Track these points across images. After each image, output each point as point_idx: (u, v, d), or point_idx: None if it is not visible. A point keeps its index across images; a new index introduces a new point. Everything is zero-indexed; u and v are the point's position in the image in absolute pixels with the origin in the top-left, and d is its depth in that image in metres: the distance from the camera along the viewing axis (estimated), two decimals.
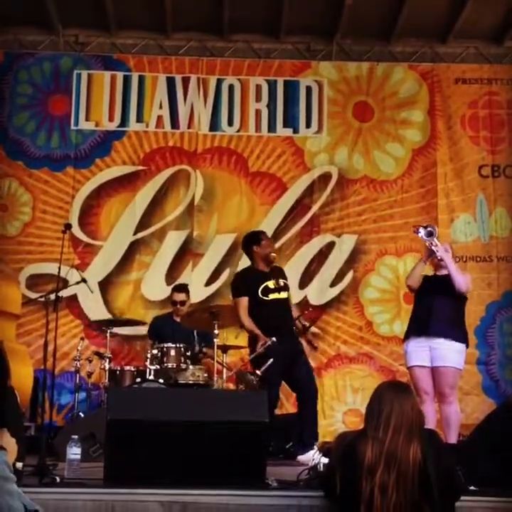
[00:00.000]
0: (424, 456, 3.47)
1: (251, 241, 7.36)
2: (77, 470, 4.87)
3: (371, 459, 3.47)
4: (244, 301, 7.10)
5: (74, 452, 4.89)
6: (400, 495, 3.43)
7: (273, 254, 7.29)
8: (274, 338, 6.64)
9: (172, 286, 8.57)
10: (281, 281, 7.18)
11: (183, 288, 8.35)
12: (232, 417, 4.61)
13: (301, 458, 6.54)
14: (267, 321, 6.94)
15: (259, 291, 7.05)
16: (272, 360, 6.52)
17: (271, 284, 7.09)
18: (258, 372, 6.51)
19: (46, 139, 9.17)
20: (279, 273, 7.28)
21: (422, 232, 6.41)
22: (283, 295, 7.14)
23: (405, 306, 8.64)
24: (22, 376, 5.62)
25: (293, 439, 7.09)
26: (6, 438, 2.43)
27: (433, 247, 6.35)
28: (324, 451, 4.48)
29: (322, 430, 8.44)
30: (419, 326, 6.37)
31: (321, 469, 4.41)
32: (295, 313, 7.33)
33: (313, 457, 4.62)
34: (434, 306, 6.32)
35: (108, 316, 8.59)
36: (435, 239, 6.36)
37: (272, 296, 7.06)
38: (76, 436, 5.05)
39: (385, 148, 9.28)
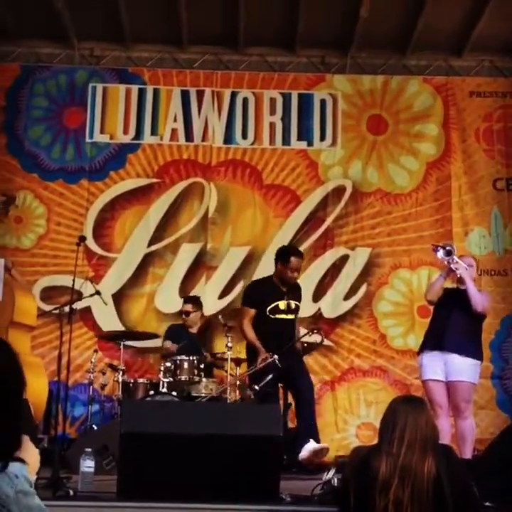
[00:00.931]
0: (439, 472, 3.45)
1: (280, 256, 7.27)
2: (90, 483, 4.87)
3: (385, 473, 3.45)
4: (250, 312, 7.10)
5: (87, 465, 4.89)
6: (415, 510, 3.40)
7: (293, 279, 7.13)
8: (276, 356, 6.55)
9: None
10: (293, 304, 7.11)
11: (191, 299, 8.40)
12: (245, 431, 4.60)
13: (301, 455, 6.55)
14: (269, 338, 6.92)
15: (268, 309, 7.01)
16: (271, 376, 6.44)
17: (282, 304, 7.05)
18: (256, 387, 6.43)
19: (61, 152, 9.20)
20: (294, 293, 7.18)
21: (440, 251, 6.40)
22: (290, 317, 7.08)
23: (419, 320, 8.63)
24: (37, 388, 5.62)
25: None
26: (30, 450, 2.42)
27: (452, 266, 6.34)
28: (338, 465, 4.46)
29: (336, 444, 8.47)
30: (435, 340, 6.35)
31: (336, 484, 4.40)
32: (301, 332, 7.30)
33: (328, 472, 4.59)
34: (451, 321, 6.30)
35: (121, 328, 8.59)
36: (454, 257, 6.35)
37: (278, 316, 7.02)
38: (90, 449, 5.05)
39: (399, 162, 9.26)
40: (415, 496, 3.41)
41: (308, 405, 7.01)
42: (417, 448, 3.48)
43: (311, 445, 6.66)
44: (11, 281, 5.75)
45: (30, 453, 2.40)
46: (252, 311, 7.08)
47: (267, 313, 7.01)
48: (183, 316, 8.25)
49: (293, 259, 7.10)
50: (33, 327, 6.26)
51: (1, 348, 2.39)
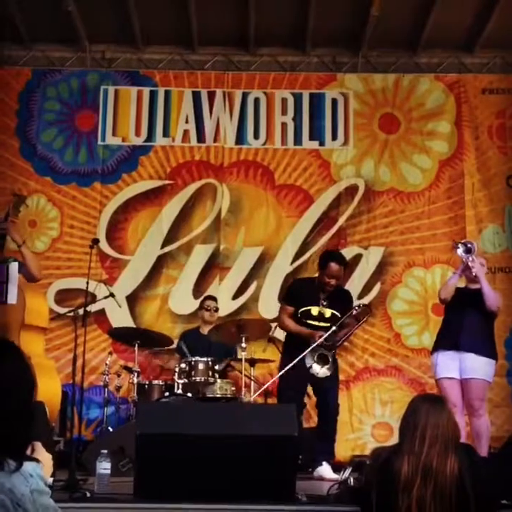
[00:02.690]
0: (462, 470, 3.44)
1: (320, 260, 7.17)
2: (107, 485, 4.87)
3: (407, 473, 3.44)
4: (288, 309, 7.05)
5: (104, 467, 4.90)
6: (438, 509, 3.39)
7: (330, 286, 6.92)
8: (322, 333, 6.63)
9: (202, 297, 8.61)
10: (329, 312, 6.91)
11: (211, 297, 8.47)
12: (261, 431, 4.59)
13: (315, 474, 6.56)
14: (294, 341, 6.91)
15: (299, 311, 6.93)
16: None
17: (314, 310, 6.92)
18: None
19: (74, 155, 9.23)
20: (335, 302, 6.95)
21: (460, 248, 6.37)
22: (322, 324, 6.85)
23: (434, 318, 8.60)
24: (50, 391, 5.62)
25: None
26: (41, 452, 2.43)
27: (470, 263, 6.32)
28: (354, 465, 4.45)
29: (351, 443, 8.48)
30: (449, 340, 6.34)
31: (352, 484, 4.39)
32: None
33: (344, 472, 4.58)
34: (465, 321, 6.29)
35: (136, 332, 8.57)
36: (473, 255, 6.33)
37: (308, 322, 6.90)
38: (106, 451, 5.06)
39: (412, 160, 9.24)
40: (438, 494, 3.40)
41: (328, 418, 6.97)
42: (439, 447, 3.47)
43: (325, 472, 6.64)
44: (21, 282, 5.75)
45: (43, 458, 2.41)
46: (290, 309, 7.01)
47: (298, 316, 6.93)
48: (206, 313, 8.25)
49: (331, 264, 6.89)
50: (46, 328, 6.24)
51: (11, 350, 2.41)
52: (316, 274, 7.21)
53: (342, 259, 7.13)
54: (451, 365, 6.27)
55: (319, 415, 7.01)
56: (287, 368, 6.59)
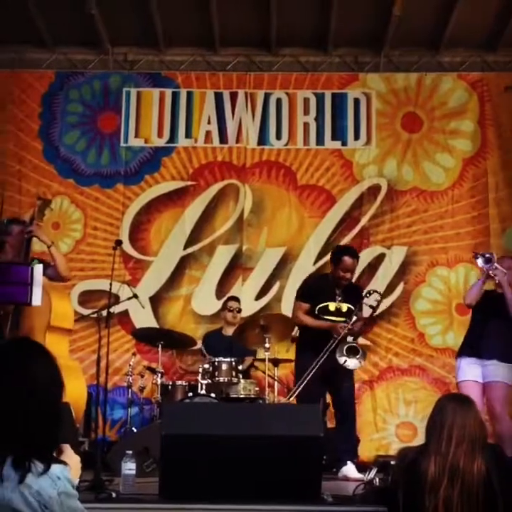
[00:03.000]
0: (488, 470, 3.42)
1: (333, 255, 7.17)
2: (132, 485, 4.89)
3: (434, 473, 3.42)
4: (303, 306, 7.03)
5: (129, 468, 4.92)
6: (465, 509, 3.38)
7: (345, 280, 6.95)
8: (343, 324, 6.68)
9: (225, 298, 8.63)
10: (346, 307, 6.92)
11: (235, 298, 8.49)
12: (286, 432, 4.59)
13: (340, 475, 6.54)
14: (315, 337, 6.88)
15: (317, 308, 6.94)
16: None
17: (332, 306, 6.93)
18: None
19: (96, 157, 9.27)
20: (350, 296, 6.97)
21: (480, 259, 6.37)
22: (339, 319, 6.88)
23: (457, 317, 8.59)
24: (76, 392, 5.64)
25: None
26: (69, 454, 2.44)
27: (491, 273, 6.31)
28: (380, 465, 4.44)
29: (375, 444, 8.46)
30: (472, 347, 6.34)
31: (377, 484, 4.38)
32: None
33: (369, 472, 4.57)
34: (489, 326, 6.28)
35: (159, 332, 8.59)
36: (494, 264, 6.31)
37: (326, 317, 6.91)
38: (131, 452, 5.07)
39: (435, 159, 9.20)
40: (465, 495, 3.39)
41: (346, 416, 6.95)
42: (466, 447, 3.45)
43: (349, 472, 6.62)
44: (47, 284, 5.78)
45: (71, 460, 2.42)
46: (306, 305, 7.00)
47: (316, 312, 6.94)
48: (229, 313, 8.27)
49: (345, 258, 6.92)
50: (71, 330, 6.27)
51: (40, 352, 2.42)
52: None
53: (354, 252, 7.19)
54: (474, 370, 6.28)
55: (337, 415, 6.99)
56: (314, 367, 6.59)
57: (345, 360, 6.63)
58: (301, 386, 6.56)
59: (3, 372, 2.31)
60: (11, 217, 7.00)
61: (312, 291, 7.13)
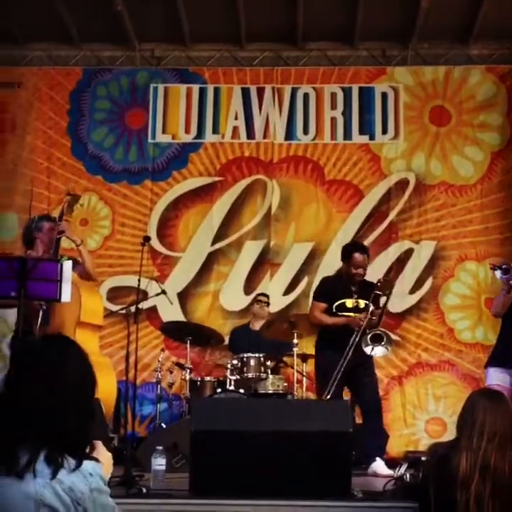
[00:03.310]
0: None
1: (343, 253, 7.19)
2: (162, 481, 4.90)
3: (466, 469, 3.40)
4: (320, 305, 7.06)
5: (159, 463, 4.93)
6: (496, 505, 3.35)
7: (359, 276, 6.97)
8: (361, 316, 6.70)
9: (254, 293, 8.67)
10: (363, 303, 6.91)
11: (264, 294, 8.53)
12: (315, 427, 4.59)
13: (369, 471, 6.52)
14: (334, 335, 6.88)
15: (334, 306, 6.95)
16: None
17: (349, 303, 6.94)
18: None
19: (124, 153, 9.30)
20: (365, 292, 6.95)
21: (498, 271, 6.31)
22: (361, 315, 6.86)
23: (486, 312, 8.51)
24: (106, 388, 5.67)
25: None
26: (101, 451, 2.45)
27: (511, 283, 6.25)
28: (410, 461, 4.42)
29: (405, 439, 8.43)
30: (500, 358, 6.28)
31: (408, 479, 4.36)
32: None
33: (400, 468, 4.55)
34: None
35: (187, 326, 8.61)
36: None
37: (345, 315, 6.91)
38: (161, 447, 5.09)
39: (463, 153, 9.13)
40: (497, 491, 3.37)
41: (372, 413, 6.93)
42: (497, 443, 3.43)
43: (378, 468, 6.60)
44: (77, 280, 5.82)
45: (103, 457, 2.43)
46: (322, 305, 7.03)
47: (334, 310, 6.95)
48: (257, 305, 8.33)
49: (355, 255, 6.98)
50: (101, 326, 6.30)
51: (74, 348, 2.43)
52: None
53: (364, 248, 7.23)
54: (502, 377, 6.23)
55: (362, 412, 6.96)
56: (342, 363, 6.57)
57: (372, 349, 6.62)
58: (329, 383, 6.53)
59: (39, 369, 2.32)
60: (42, 214, 7.02)
61: (328, 290, 7.15)
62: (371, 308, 6.76)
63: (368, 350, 6.62)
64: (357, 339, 6.63)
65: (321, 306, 7.05)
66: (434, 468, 3.54)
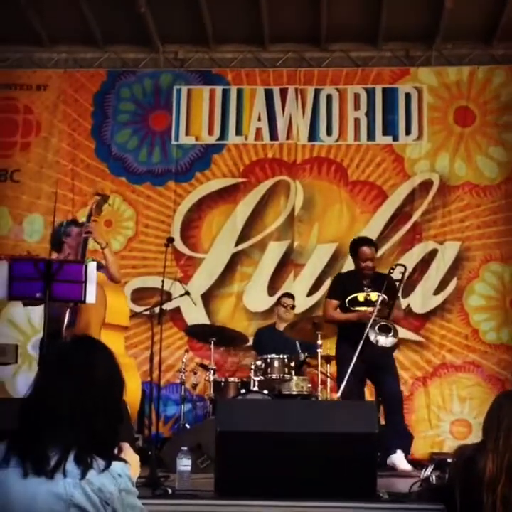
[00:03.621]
0: None
1: (351, 249, 7.33)
2: (187, 481, 4.91)
3: (492, 471, 3.38)
4: (333, 303, 7.14)
5: (184, 464, 4.94)
6: None
7: (368, 269, 7.04)
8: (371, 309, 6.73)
9: (279, 293, 8.67)
10: (375, 295, 6.92)
11: (290, 294, 8.51)
12: (340, 428, 4.58)
13: (388, 461, 6.50)
14: (349, 330, 6.90)
15: (347, 301, 7.01)
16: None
17: (360, 296, 6.98)
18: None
19: (148, 155, 9.33)
20: (378, 285, 6.95)
21: None
22: (370, 309, 6.87)
23: None
24: (131, 389, 5.68)
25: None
26: (129, 453, 2.47)
27: None
28: (436, 463, 4.41)
29: (429, 440, 8.41)
30: None
31: (434, 481, 4.35)
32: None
33: (426, 470, 4.54)
34: None
35: (211, 328, 8.62)
36: None
37: (358, 308, 6.95)
38: (185, 448, 5.10)
39: (488, 153, 9.09)
40: None
41: (393, 407, 6.91)
42: None
43: (397, 460, 6.58)
44: (103, 281, 5.84)
45: (131, 459, 2.44)
46: (335, 302, 7.11)
47: (347, 306, 7.00)
48: (282, 309, 8.30)
49: (362, 248, 7.08)
50: (127, 327, 6.32)
51: (102, 350, 2.45)
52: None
53: (370, 241, 7.32)
54: None
55: (384, 406, 6.93)
56: (356, 356, 6.57)
57: (377, 339, 6.64)
58: (346, 379, 6.53)
59: (68, 371, 2.35)
60: (71, 218, 7.06)
61: (339, 287, 7.23)
62: (381, 299, 6.78)
63: (373, 339, 6.64)
64: (366, 332, 6.64)
65: (333, 304, 7.13)
66: (461, 470, 3.52)
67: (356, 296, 6.98)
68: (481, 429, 3.63)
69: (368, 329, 6.62)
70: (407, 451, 6.92)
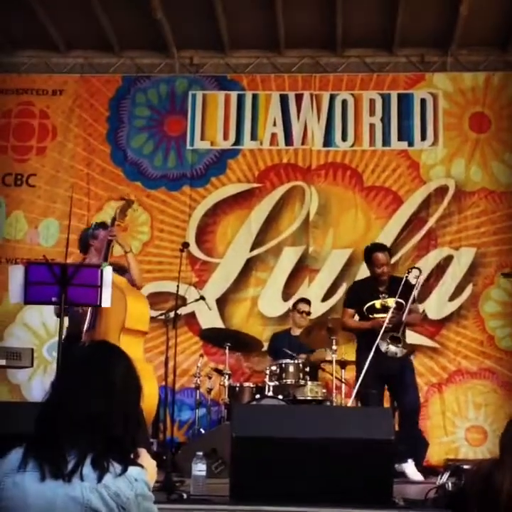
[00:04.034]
0: None
1: (365, 256, 7.30)
2: (202, 486, 4.91)
3: (510, 488, 3.36)
4: (349, 312, 7.16)
5: (199, 469, 4.95)
6: None
7: (383, 274, 7.01)
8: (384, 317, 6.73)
9: (295, 299, 8.66)
10: (391, 301, 6.88)
11: (306, 300, 8.49)
12: (356, 434, 4.58)
13: (397, 467, 6.48)
14: (366, 337, 6.88)
15: (365, 308, 6.99)
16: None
17: (377, 304, 6.96)
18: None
19: (163, 160, 9.35)
20: (394, 290, 6.92)
21: None
22: (384, 316, 6.86)
23: None
24: (149, 394, 5.67)
25: None
26: (146, 458, 2.46)
27: None
28: (452, 470, 4.39)
29: (444, 447, 8.37)
30: None
31: (450, 488, 4.33)
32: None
33: (441, 477, 4.52)
34: None
35: (226, 333, 8.62)
36: None
37: (376, 316, 6.93)
38: (201, 453, 5.10)
39: (503, 159, 9.06)
40: None
41: (409, 417, 6.90)
42: None
43: (408, 469, 6.56)
44: (125, 286, 5.84)
45: (148, 464, 2.44)
46: (351, 311, 7.14)
47: (365, 313, 6.99)
48: (298, 315, 8.29)
49: (375, 255, 7.06)
50: (146, 332, 6.30)
51: (120, 356, 2.45)
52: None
53: (383, 247, 7.32)
54: None
55: (400, 414, 6.91)
56: (367, 364, 6.55)
57: (387, 349, 6.65)
58: (359, 384, 6.52)
59: (87, 375, 2.35)
60: (99, 221, 7.07)
61: (356, 295, 7.24)
62: (394, 305, 6.76)
63: (383, 348, 6.64)
64: (378, 339, 6.63)
65: (349, 313, 7.16)
66: (477, 487, 3.49)
67: (374, 304, 6.97)
68: (498, 444, 3.60)
69: (378, 340, 6.60)
70: (421, 459, 6.90)
